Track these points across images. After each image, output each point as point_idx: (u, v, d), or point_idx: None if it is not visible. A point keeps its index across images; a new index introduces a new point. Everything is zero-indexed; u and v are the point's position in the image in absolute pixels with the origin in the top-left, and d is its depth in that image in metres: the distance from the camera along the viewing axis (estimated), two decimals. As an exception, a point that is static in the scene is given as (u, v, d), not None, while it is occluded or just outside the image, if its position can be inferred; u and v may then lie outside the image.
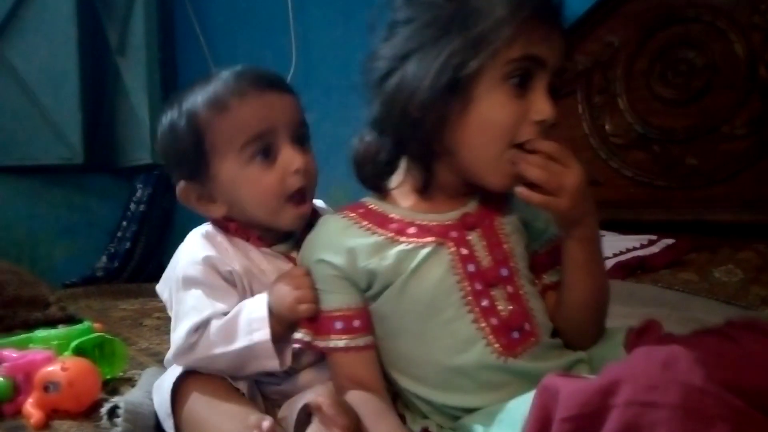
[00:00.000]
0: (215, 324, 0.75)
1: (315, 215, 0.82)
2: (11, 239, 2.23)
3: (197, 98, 0.77)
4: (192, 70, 2.37)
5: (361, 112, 0.74)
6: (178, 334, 0.75)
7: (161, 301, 0.84)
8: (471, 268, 0.70)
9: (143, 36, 2.22)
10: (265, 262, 0.80)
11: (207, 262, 0.77)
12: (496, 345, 0.68)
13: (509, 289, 0.70)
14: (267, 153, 0.77)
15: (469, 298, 0.69)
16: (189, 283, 0.77)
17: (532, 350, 0.69)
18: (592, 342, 0.74)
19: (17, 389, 0.96)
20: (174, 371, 0.78)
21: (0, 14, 2.12)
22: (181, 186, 0.80)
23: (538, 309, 0.72)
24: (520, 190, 0.66)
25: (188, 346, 0.75)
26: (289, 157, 0.77)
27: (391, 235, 0.71)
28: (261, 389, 0.81)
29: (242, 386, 0.77)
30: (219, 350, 0.74)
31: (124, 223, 2.35)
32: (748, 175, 1.77)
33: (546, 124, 0.66)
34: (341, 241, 0.72)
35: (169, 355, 0.78)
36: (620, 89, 2.07)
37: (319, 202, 0.88)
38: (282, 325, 0.74)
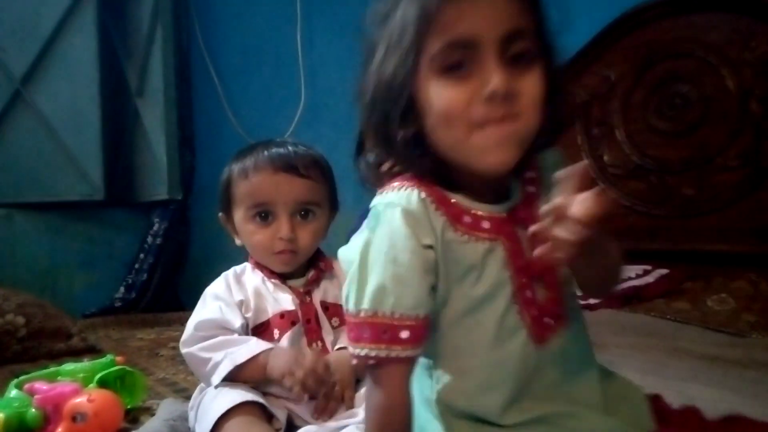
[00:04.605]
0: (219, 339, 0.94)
1: (328, 265, 1.04)
2: (35, 271, 2.26)
3: (240, 162, 1.02)
4: (207, 109, 2.45)
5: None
6: (189, 324, 0.98)
7: (176, 331, 0.95)
8: (519, 262, 0.69)
9: (161, 78, 2.29)
10: (271, 289, 1.01)
11: (218, 294, 1.01)
12: (533, 335, 0.68)
13: (547, 277, 0.70)
14: (265, 218, 1.00)
15: (516, 290, 0.68)
16: (209, 295, 1.01)
17: (559, 338, 0.69)
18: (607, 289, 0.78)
19: (47, 419, 1.00)
20: (218, 400, 0.87)
21: (27, 61, 2.21)
22: (220, 215, 1.07)
23: (571, 294, 0.72)
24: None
25: (195, 338, 0.95)
26: (279, 225, 0.99)
27: (450, 218, 0.67)
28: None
29: (281, 416, 0.87)
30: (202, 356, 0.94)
31: (142, 255, 2.38)
32: (741, 205, 1.79)
33: (497, 95, 0.61)
34: (428, 218, 0.67)
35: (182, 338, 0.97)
36: (617, 121, 2.09)
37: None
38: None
